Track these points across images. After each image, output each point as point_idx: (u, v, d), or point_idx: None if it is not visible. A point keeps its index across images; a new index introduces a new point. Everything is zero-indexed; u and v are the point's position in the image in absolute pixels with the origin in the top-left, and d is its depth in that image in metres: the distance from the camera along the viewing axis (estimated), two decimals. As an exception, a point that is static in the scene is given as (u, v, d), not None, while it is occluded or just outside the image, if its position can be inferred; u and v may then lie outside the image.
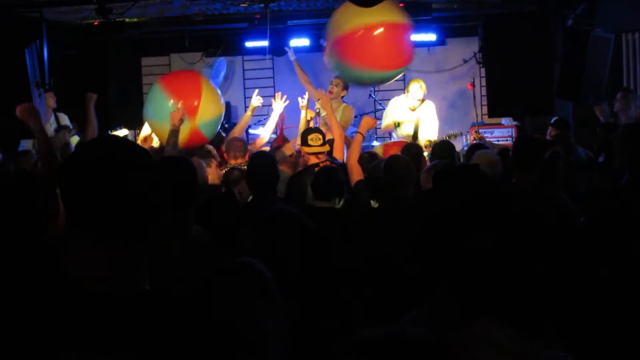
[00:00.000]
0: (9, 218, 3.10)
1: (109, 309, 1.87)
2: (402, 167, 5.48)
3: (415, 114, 10.02)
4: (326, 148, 7.62)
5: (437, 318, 2.43)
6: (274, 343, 2.19)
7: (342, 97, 10.30)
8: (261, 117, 12.01)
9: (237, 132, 9.04)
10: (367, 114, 11.65)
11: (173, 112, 7.69)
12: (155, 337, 1.85)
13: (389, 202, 5.37)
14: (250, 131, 11.27)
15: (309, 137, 7.52)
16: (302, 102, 9.19)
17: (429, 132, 9.89)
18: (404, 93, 10.38)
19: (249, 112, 9.36)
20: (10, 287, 1.97)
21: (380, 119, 11.74)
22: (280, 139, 9.37)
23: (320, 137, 7.56)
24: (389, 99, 12.00)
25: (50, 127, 9.32)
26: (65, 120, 9.75)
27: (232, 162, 7.67)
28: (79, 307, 1.86)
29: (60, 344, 1.81)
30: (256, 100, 9.34)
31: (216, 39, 12.67)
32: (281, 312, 2.25)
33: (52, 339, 1.82)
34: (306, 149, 7.52)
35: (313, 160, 7.41)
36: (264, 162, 5.85)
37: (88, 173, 1.94)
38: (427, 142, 9.32)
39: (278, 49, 11.44)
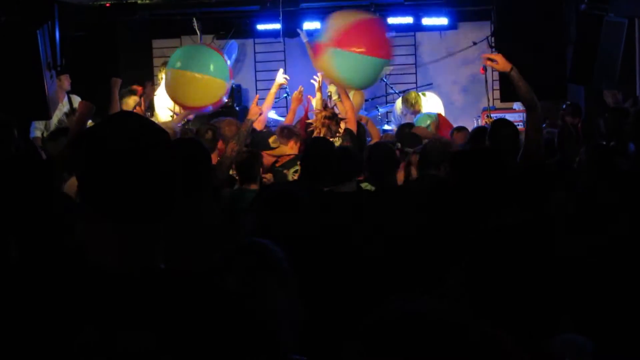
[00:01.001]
0: (27, 201, 3.11)
1: (126, 287, 1.87)
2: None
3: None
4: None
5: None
6: (285, 321, 2.19)
7: None
8: (275, 99, 12.01)
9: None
10: (378, 97, 11.68)
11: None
12: (172, 315, 1.85)
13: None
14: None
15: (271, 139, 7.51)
16: (316, 83, 9.12)
17: None
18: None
19: (273, 90, 9.25)
20: (29, 267, 1.97)
21: (392, 102, 11.75)
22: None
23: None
24: (400, 83, 12.00)
25: (63, 108, 9.34)
26: (77, 101, 9.75)
27: None
28: (97, 286, 1.86)
29: (81, 321, 1.81)
30: (281, 77, 9.21)
31: (228, 22, 12.64)
32: (294, 291, 2.25)
33: (73, 316, 1.82)
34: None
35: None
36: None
37: (102, 153, 1.91)
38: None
39: (290, 32, 11.42)
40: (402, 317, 1.56)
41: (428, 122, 9.29)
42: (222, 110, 9.93)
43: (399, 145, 7.18)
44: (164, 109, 9.60)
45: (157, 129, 2.02)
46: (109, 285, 1.87)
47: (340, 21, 8.46)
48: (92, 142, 1.94)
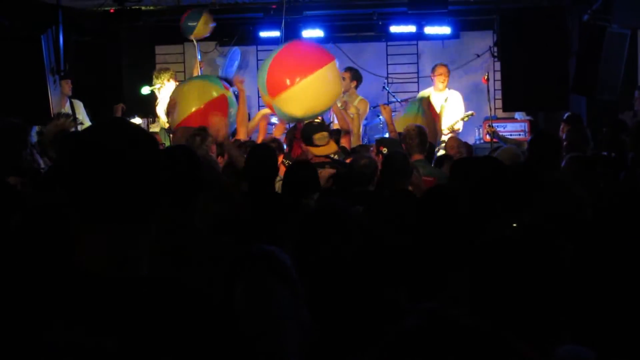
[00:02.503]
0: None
1: (101, 290, 1.87)
2: None
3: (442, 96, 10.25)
4: (333, 148, 7.37)
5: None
6: (293, 328, 2.20)
7: (356, 87, 10.40)
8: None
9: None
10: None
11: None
12: (142, 323, 1.85)
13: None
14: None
15: (315, 136, 7.25)
16: None
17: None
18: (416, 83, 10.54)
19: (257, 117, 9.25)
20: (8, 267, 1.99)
21: (394, 111, 11.75)
22: None
23: (326, 134, 7.33)
24: (402, 91, 12.02)
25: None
26: (80, 107, 9.78)
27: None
28: (72, 288, 1.88)
29: (46, 321, 1.82)
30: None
31: (231, 29, 12.65)
32: (301, 299, 2.26)
33: (39, 316, 1.84)
34: (314, 150, 7.24)
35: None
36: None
37: (85, 152, 1.94)
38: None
39: (292, 39, 11.45)
40: (431, 323, 1.57)
41: (417, 105, 9.29)
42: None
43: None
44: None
45: (142, 132, 2.04)
46: (84, 288, 1.87)
47: (263, 72, 8.43)
48: (76, 143, 1.97)
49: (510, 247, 2.38)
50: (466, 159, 6.33)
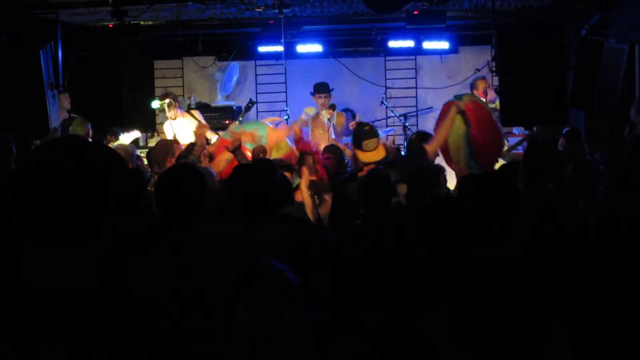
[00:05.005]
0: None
1: (44, 303, 1.87)
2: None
3: None
4: (383, 152, 7.41)
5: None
6: (293, 343, 2.20)
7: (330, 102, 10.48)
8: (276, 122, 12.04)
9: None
10: (379, 120, 11.70)
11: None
12: (89, 332, 1.86)
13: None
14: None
15: (364, 142, 7.35)
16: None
17: None
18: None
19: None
20: None
21: (392, 126, 11.78)
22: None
23: (376, 140, 7.41)
24: (400, 106, 12.03)
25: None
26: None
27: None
28: (14, 301, 1.88)
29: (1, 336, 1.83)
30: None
31: (229, 43, 12.70)
32: (305, 316, 2.26)
33: None
34: (361, 156, 7.34)
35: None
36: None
37: (25, 181, 1.92)
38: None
39: (291, 54, 11.51)
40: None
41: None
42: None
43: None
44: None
45: (89, 152, 1.99)
46: (27, 301, 1.87)
47: None
48: (20, 167, 1.97)
49: (486, 267, 2.36)
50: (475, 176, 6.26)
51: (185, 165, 4.72)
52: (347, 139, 9.63)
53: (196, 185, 3.87)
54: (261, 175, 4.62)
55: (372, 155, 7.27)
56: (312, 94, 10.13)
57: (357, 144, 7.37)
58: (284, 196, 4.97)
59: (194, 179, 3.89)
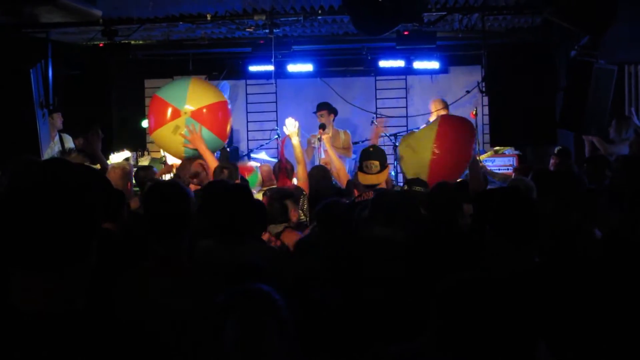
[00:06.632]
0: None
1: (29, 327, 1.89)
2: None
3: None
4: (383, 177, 7.05)
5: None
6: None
7: (333, 120, 10.56)
8: (263, 141, 12.05)
9: None
10: (369, 139, 11.71)
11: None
12: (73, 356, 1.87)
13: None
14: (253, 155, 11.32)
15: (365, 163, 6.99)
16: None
17: None
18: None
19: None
20: None
21: (383, 146, 11.79)
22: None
23: (377, 163, 6.98)
24: (391, 126, 12.04)
25: (55, 147, 9.34)
26: (69, 141, 9.77)
27: None
28: (6, 325, 1.90)
29: None
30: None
31: (220, 63, 12.72)
32: (292, 339, 2.26)
33: None
34: (361, 178, 6.99)
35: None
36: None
37: (8, 205, 1.93)
38: None
39: (281, 74, 11.55)
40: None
41: None
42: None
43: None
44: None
45: (74, 175, 2.01)
46: (20, 326, 1.89)
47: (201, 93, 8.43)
48: (4, 191, 1.97)
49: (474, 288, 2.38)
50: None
51: (171, 182, 4.72)
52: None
53: (182, 202, 3.84)
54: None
55: (370, 178, 6.92)
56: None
57: (360, 164, 7.04)
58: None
59: (180, 196, 3.86)
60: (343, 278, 3.95)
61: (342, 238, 4.88)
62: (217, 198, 4.79)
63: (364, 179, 6.93)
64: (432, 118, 10.72)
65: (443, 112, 10.69)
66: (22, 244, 1.90)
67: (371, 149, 7.24)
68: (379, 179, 6.93)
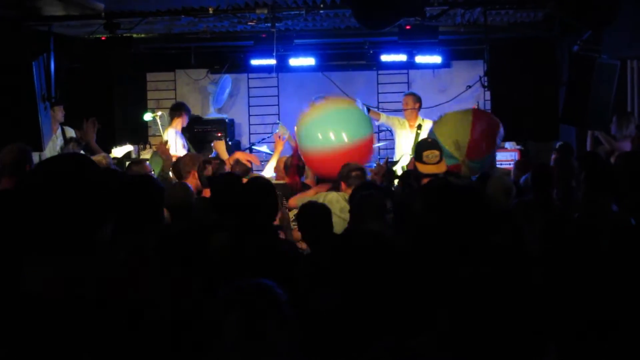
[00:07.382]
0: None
1: (42, 312, 1.93)
2: None
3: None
4: (444, 167, 7.01)
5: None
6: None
7: (418, 109, 10.49)
8: (265, 134, 12.04)
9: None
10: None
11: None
12: (85, 341, 1.91)
13: None
14: (255, 148, 11.33)
15: (424, 153, 6.99)
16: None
17: None
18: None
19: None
20: None
21: (384, 140, 11.79)
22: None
23: (437, 153, 6.99)
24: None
25: (57, 140, 9.35)
26: (71, 133, 9.77)
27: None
28: (13, 309, 1.96)
29: None
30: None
31: (222, 56, 12.70)
32: (294, 334, 2.26)
33: None
34: (421, 168, 6.96)
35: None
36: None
37: (28, 193, 2.02)
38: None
39: (283, 67, 11.54)
40: None
41: None
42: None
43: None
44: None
45: (89, 169, 2.10)
46: (33, 311, 1.93)
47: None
48: (23, 180, 2.04)
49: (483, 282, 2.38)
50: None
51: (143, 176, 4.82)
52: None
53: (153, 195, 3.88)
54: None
55: (432, 168, 6.88)
56: None
57: (418, 155, 7.03)
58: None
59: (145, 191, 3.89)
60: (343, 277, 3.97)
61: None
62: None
63: (425, 168, 6.88)
64: (407, 114, 10.66)
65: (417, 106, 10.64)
66: (41, 228, 1.97)
67: (429, 140, 7.26)
68: (440, 169, 6.92)
